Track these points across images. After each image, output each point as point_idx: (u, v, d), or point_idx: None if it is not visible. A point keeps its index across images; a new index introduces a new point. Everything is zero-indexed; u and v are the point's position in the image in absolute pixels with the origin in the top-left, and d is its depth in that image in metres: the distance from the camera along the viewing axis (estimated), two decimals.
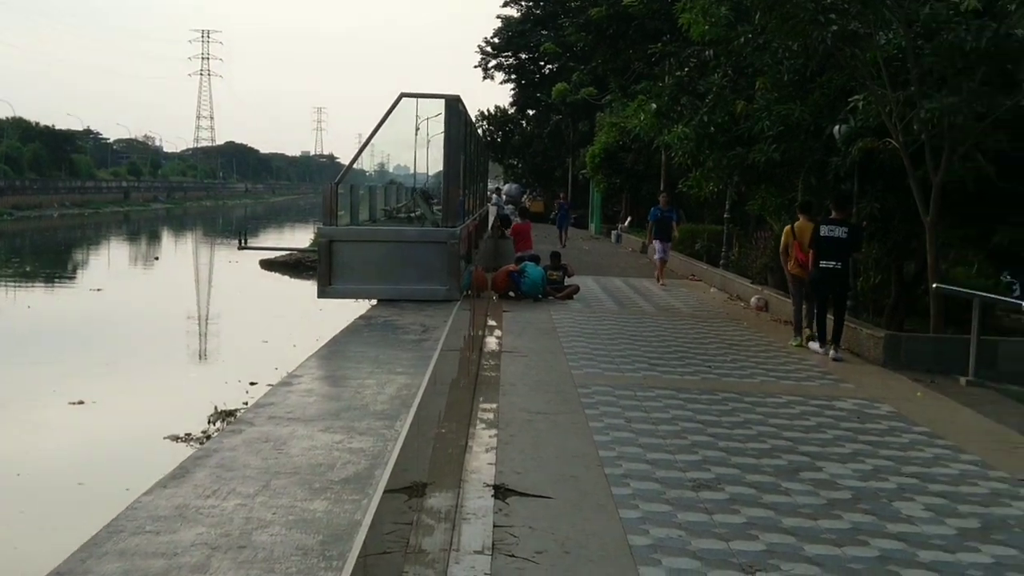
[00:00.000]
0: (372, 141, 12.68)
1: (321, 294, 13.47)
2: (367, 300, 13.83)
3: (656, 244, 23.77)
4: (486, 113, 61.01)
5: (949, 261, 17.40)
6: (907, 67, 13.72)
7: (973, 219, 14.58)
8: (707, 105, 17.46)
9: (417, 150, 17.79)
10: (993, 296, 14.82)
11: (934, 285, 13.86)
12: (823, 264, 13.53)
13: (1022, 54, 13.03)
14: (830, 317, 13.75)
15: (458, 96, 9.68)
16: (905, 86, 13.94)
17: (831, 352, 13.40)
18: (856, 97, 14.62)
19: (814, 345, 13.84)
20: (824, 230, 13.59)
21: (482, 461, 7.60)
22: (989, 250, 14.99)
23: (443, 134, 10.27)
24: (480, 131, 54.63)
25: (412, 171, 19.93)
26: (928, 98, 13.21)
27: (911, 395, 11.15)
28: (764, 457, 8.12)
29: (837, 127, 15.18)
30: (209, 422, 15.61)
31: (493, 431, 8.56)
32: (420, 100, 13.85)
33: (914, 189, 13.96)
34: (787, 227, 15.26)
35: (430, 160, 19.57)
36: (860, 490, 7.32)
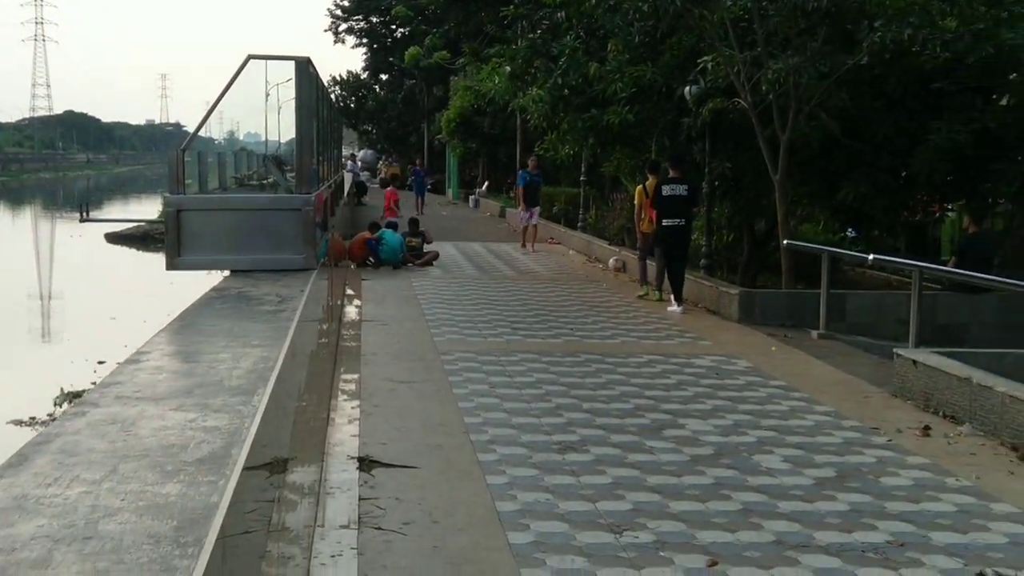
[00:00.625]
0: (220, 107, 12.26)
1: (170, 266, 12.97)
2: (220, 272, 13.43)
3: (522, 210, 22.94)
4: (338, 79, 60.04)
5: (797, 218, 17.84)
6: (753, 28, 13.96)
7: (819, 176, 14.97)
8: (560, 68, 17.44)
9: (268, 116, 17.32)
10: (840, 251, 15.29)
11: (784, 241, 14.23)
12: (667, 222, 14.03)
13: (861, 14, 13.40)
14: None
15: (308, 58, 9.37)
16: (752, 47, 14.20)
17: (679, 308, 13.86)
18: (705, 58, 14.82)
19: (673, 308, 13.94)
20: (666, 189, 14.09)
21: (345, 433, 7.44)
22: (834, 206, 15.40)
23: (294, 98, 9.95)
24: (333, 97, 53.77)
25: (264, 138, 19.43)
26: (774, 58, 13.47)
27: (766, 350, 11.38)
28: (628, 417, 8.16)
29: (688, 88, 15.37)
30: (55, 404, 14.97)
31: (356, 402, 8.40)
32: (269, 64, 13.40)
33: (763, 148, 14.26)
34: (639, 187, 15.61)
35: (282, 126, 19.08)
36: (721, 445, 7.41)
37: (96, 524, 3.73)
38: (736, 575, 5.09)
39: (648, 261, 15.36)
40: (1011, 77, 13.23)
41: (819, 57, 13.12)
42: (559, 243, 24.13)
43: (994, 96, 13.41)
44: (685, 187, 14.05)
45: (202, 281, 15.56)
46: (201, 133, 15.08)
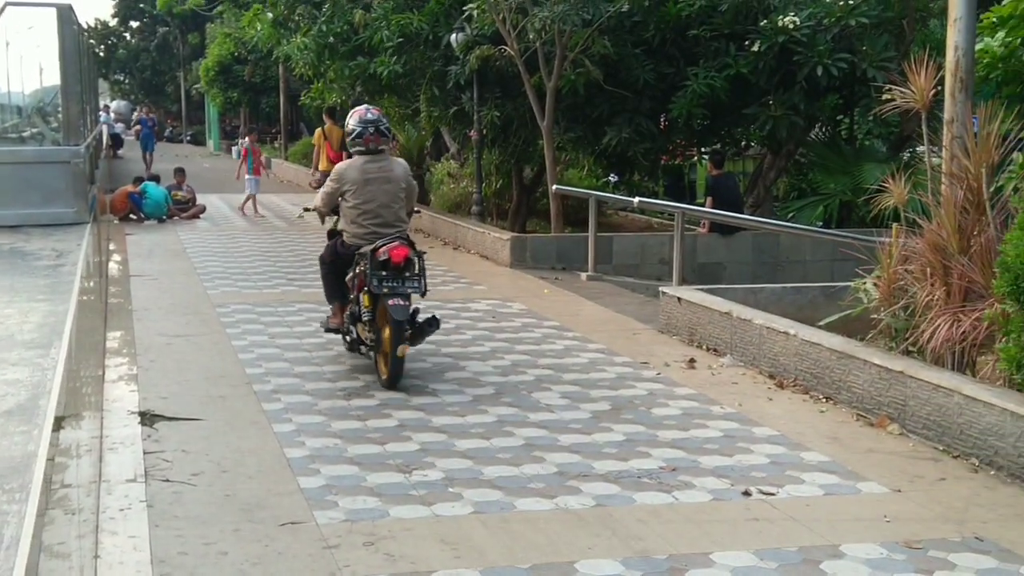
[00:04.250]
0: None
1: None
2: None
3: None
4: (86, 26, 57.04)
5: (563, 164, 18.30)
6: None
7: (584, 123, 15.35)
8: (325, 15, 17.24)
9: (8, 67, 16.29)
10: (606, 195, 15.89)
11: (553, 187, 14.63)
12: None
13: None
14: None
15: (70, 4, 8.93)
16: None
17: None
18: (471, 6, 14.91)
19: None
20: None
21: (123, 389, 7.28)
22: (598, 152, 15.88)
23: (58, 46, 9.46)
24: None
25: (5, 89, 18.29)
26: (539, 5, 13.71)
27: (539, 292, 11.74)
28: (409, 362, 8.27)
29: (454, 36, 15.42)
30: None
31: (131, 358, 8.20)
32: (8, 12, 12.56)
33: (530, 95, 14.56)
34: (318, 129, 18.18)
35: (26, 77, 18.02)
36: (502, 385, 7.66)
37: None
38: (522, 505, 5.32)
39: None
40: (762, 24, 13.93)
41: (582, 4, 13.45)
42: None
43: (746, 43, 14.07)
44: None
45: None
46: None
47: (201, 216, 18.73)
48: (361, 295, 7.75)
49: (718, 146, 16.45)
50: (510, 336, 9.35)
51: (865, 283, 7.58)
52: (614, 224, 17.56)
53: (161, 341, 8.85)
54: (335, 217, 8.37)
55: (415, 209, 8.56)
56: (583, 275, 12.75)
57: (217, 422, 6.63)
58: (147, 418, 6.61)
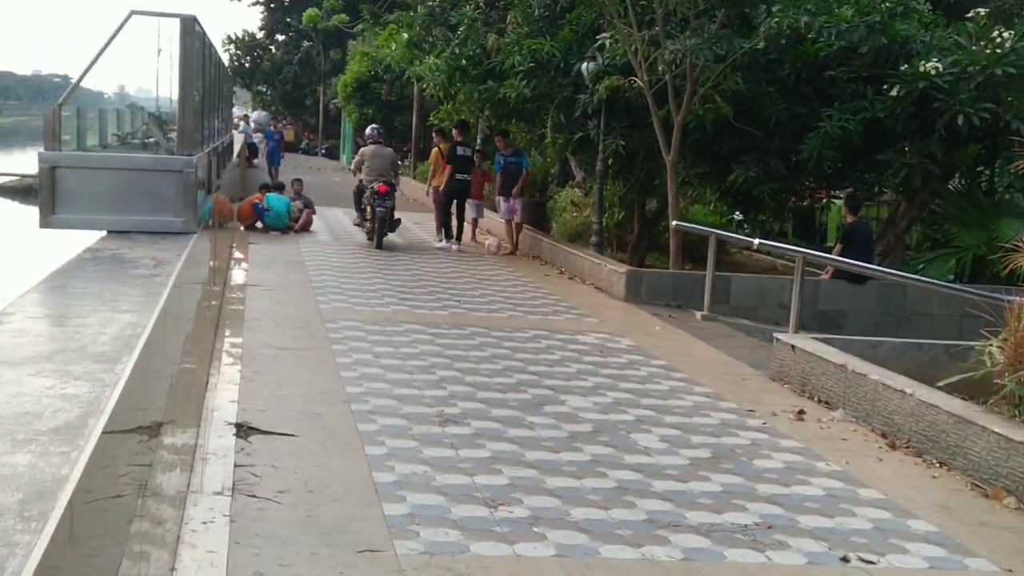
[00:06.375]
0: (102, 61, 11.84)
1: (44, 224, 12.52)
2: (97, 231, 13.04)
3: (501, 201, 17.91)
4: (233, 37, 58.80)
5: (688, 199, 18.09)
6: (652, 7, 14.06)
7: (711, 159, 15.17)
8: (459, 37, 17.36)
9: (160, 72, 16.77)
10: (727, 233, 15.59)
11: (674, 222, 14.42)
12: (459, 177, 17.70)
13: None
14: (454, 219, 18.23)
15: (194, 16, 9.15)
16: (651, 26, 14.30)
17: (455, 245, 17.64)
18: (604, 35, 14.89)
19: (443, 243, 17.74)
20: (459, 150, 17.90)
21: (224, 399, 7.36)
22: (724, 189, 15.64)
23: (179, 56, 9.69)
24: (227, 56, 52.58)
25: (155, 95, 18.88)
26: (671, 38, 13.59)
27: (650, 329, 11.54)
28: (510, 391, 8.20)
29: (585, 64, 15.39)
30: None
31: (237, 367, 8.31)
32: (161, 21, 12.98)
33: (657, 128, 14.40)
34: (435, 150, 19.02)
35: (175, 84, 18.54)
36: (600, 423, 7.50)
37: None
38: (607, 552, 5.16)
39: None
40: (902, 68, 13.53)
41: (716, 40, 13.28)
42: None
43: (884, 87, 13.69)
44: (470, 149, 18.33)
45: (81, 241, 15.14)
46: (91, 87, 14.59)
47: (310, 228, 18.92)
48: (367, 206, 17.64)
49: (853, 191, 15.96)
50: (615, 372, 9.18)
51: (990, 345, 7.20)
52: (736, 263, 17.24)
53: (268, 353, 8.94)
54: (360, 173, 17.99)
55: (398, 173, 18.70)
56: (698, 314, 12.50)
57: (310, 439, 6.62)
58: (243, 430, 6.65)
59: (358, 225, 18.90)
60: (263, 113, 60.12)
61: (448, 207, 18.05)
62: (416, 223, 21.72)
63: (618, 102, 15.33)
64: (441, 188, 18.04)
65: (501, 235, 18.23)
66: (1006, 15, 14.90)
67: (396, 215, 17.68)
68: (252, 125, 45.03)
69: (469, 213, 18.42)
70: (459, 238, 17.93)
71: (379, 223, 16.97)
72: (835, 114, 13.64)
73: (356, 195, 18.79)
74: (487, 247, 17.98)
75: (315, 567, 4.79)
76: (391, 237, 17.46)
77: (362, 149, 18.41)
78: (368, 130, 20.04)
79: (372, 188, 17.13)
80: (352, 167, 20.87)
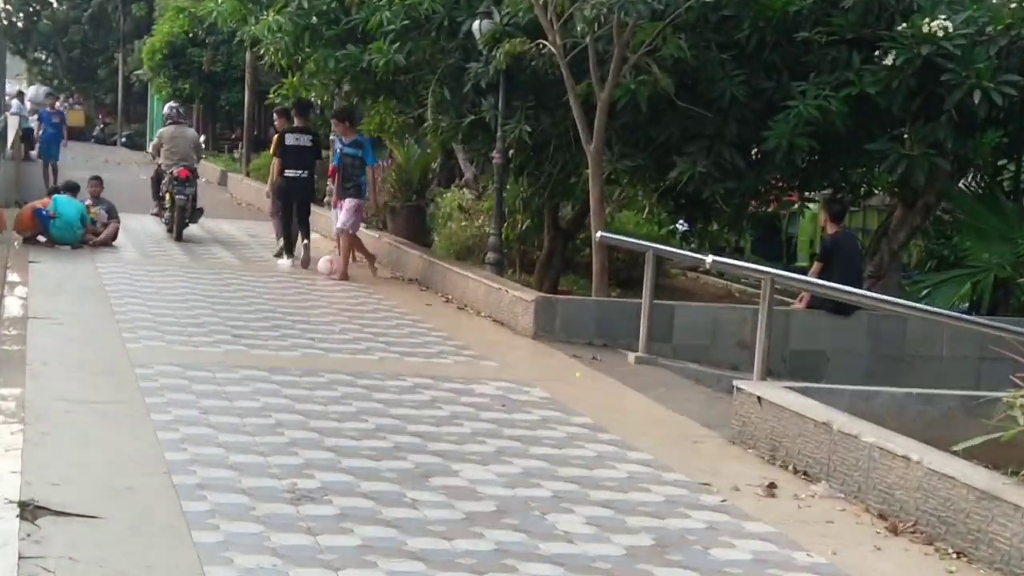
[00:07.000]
0: None
1: None
2: None
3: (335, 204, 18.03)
4: None
5: (615, 203, 18.23)
6: None
7: (646, 149, 15.13)
8: None
9: None
10: (668, 248, 15.69)
11: (598, 234, 14.33)
12: (289, 173, 18.03)
13: None
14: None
15: None
16: None
17: (289, 261, 17.98)
18: None
19: (283, 262, 18.03)
20: (290, 139, 18.19)
21: (2, 469, 7.28)
22: (662, 190, 15.68)
23: None
24: None
25: None
26: None
27: (569, 376, 11.67)
28: (384, 458, 8.23)
29: (477, 23, 15.38)
30: None
31: (17, 427, 8.25)
32: None
33: (574, 107, 14.37)
34: (276, 137, 19.21)
35: None
36: (506, 500, 7.56)
37: None
38: None
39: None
40: (899, 28, 13.48)
41: None
42: None
43: (876, 53, 13.66)
44: (309, 137, 18.47)
45: None
46: None
47: (114, 243, 18.77)
48: (167, 193, 20.16)
49: (835, 193, 16.23)
50: (524, 433, 9.27)
51: (1021, 396, 7.37)
52: (680, 288, 17.54)
53: (60, 407, 8.88)
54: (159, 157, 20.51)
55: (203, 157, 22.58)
56: (631, 355, 12.66)
57: (120, 523, 6.58)
58: (29, 510, 6.59)
59: (156, 215, 21.69)
60: (42, 88, 59.43)
61: (288, 212, 18.58)
62: (252, 235, 21.69)
63: (522, 74, 15.39)
64: (272, 187, 18.91)
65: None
66: None
67: (199, 204, 20.53)
68: (28, 105, 44.39)
69: (341, 220, 17.17)
70: (304, 252, 18.05)
71: (179, 212, 19.76)
72: (810, 89, 13.63)
73: (154, 182, 21.50)
74: (320, 268, 17.36)
75: None
76: (215, 249, 17.63)
77: (160, 131, 21.30)
78: (166, 108, 22.71)
79: (171, 173, 19.86)
80: (150, 150, 25.16)
